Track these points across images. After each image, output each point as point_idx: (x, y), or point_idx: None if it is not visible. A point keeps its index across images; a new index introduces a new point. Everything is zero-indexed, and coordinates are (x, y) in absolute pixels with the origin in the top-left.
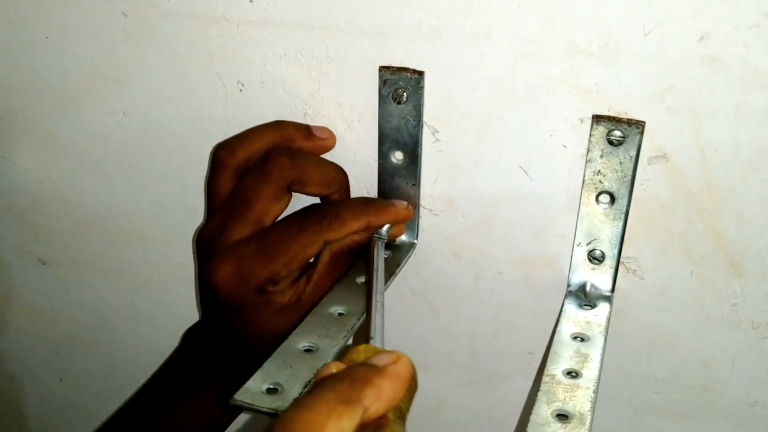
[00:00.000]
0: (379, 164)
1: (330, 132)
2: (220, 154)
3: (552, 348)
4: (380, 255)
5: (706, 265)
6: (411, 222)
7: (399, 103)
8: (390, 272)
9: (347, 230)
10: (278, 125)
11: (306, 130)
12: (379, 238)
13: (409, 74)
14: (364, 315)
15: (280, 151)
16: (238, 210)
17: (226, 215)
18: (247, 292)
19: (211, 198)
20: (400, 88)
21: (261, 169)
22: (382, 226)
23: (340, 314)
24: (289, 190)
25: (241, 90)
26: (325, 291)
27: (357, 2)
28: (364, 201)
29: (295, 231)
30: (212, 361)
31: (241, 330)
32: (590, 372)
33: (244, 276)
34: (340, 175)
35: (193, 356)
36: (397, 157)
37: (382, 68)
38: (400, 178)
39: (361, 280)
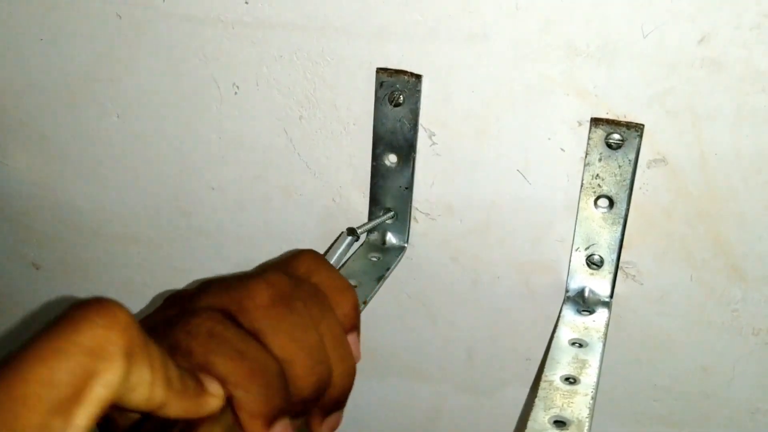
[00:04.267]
0: (372, 167)
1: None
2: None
3: (550, 354)
4: (344, 248)
5: (706, 269)
6: (402, 225)
7: (395, 105)
8: (379, 276)
9: None
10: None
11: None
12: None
13: (406, 77)
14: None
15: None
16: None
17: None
18: None
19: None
20: (397, 90)
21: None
22: None
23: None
24: None
25: (236, 92)
26: None
27: (353, 3)
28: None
29: None
30: None
31: None
32: (588, 378)
33: None
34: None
35: None
36: (391, 160)
37: (379, 70)
38: (392, 182)
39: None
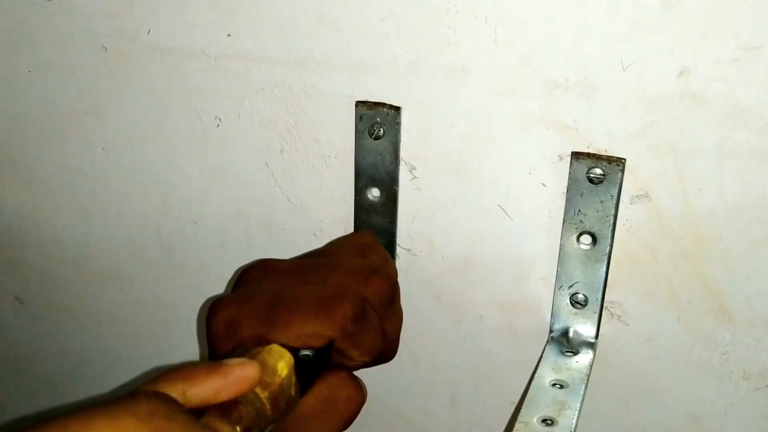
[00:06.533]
0: (356, 201)
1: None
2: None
3: (529, 394)
4: None
5: (693, 311)
6: None
7: (376, 138)
8: None
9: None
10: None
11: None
12: None
13: (385, 110)
14: None
15: None
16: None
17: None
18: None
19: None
20: (377, 123)
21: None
22: None
23: None
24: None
25: (218, 125)
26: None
27: (334, 37)
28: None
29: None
30: None
31: None
32: (566, 420)
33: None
34: None
35: None
36: (374, 194)
37: (358, 103)
38: (376, 216)
39: None
